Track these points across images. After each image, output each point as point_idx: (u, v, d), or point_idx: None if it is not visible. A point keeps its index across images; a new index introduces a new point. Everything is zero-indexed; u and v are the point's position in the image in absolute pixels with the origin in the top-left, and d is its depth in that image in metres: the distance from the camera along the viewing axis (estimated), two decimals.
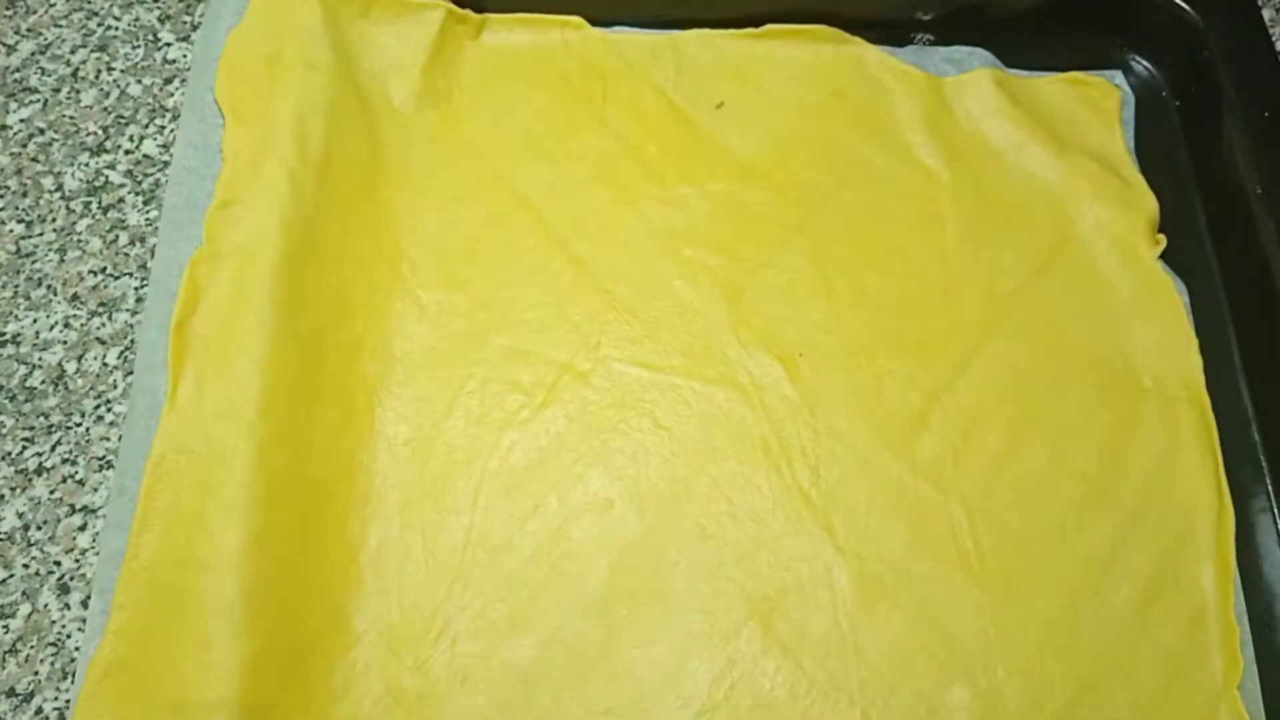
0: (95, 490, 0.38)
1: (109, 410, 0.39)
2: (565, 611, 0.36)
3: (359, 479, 0.37)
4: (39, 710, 0.35)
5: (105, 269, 0.41)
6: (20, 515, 0.37)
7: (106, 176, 0.43)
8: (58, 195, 0.43)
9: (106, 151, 0.43)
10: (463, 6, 0.45)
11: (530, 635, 0.36)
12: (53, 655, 0.35)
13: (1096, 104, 0.46)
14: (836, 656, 0.36)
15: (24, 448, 0.38)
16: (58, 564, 0.37)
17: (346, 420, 0.38)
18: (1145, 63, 0.47)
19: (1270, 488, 0.39)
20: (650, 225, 0.42)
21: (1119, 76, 0.46)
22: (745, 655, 0.36)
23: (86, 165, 0.43)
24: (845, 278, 0.41)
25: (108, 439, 0.39)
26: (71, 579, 0.37)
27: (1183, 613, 0.36)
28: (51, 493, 0.38)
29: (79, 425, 0.39)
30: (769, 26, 0.46)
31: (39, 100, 0.44)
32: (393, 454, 0.38)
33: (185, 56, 0.45)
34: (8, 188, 0.43)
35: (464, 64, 0.45)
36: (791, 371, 0.40)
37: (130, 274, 0.41)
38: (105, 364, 0.40)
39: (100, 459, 0.38)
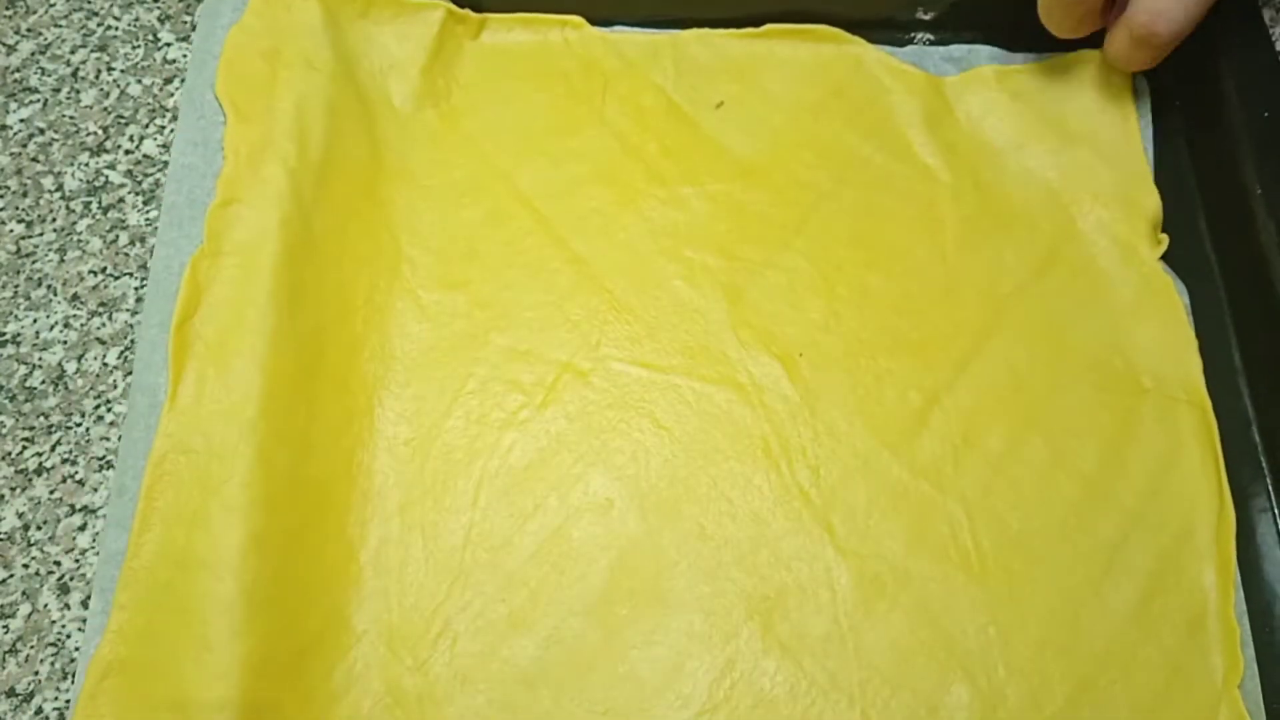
0: (95, 490, 0.38)
1: (109, 410, 0.39)
2: (565, 611, 0.36)
3: (359, 478, 0.37)
4: (39, 710, 0.35)
5: (105, 269, 0.41)
6: (20, 515, 0.37)
7: (106, 176, 0.43)
8: (58, 195, 0.43)
9: (106, 151, 0.44)
10: (461, 6, 0.45)
11: (530, 635, 0.36)
12: (53, 655, 0.35)
13: (1107, 81, 0.45)
14: (836, 656, 0.36)
15: (24, 448, 0.38)
16: (58, 564, 0.37)
17: (346, 420, 0.38)
18: None
19: (1270, 488, 0.39)
20: (650, 225, 0.42)
21: None
22: (745, 655, 0.36)
23: (86, 165, 0.43)
24: (845, 277, 0.41)
25: (108, 439, 0.39)
26: (71, 579, 0.37)
27: (1183, 612, 0.36)
28: (51, 493, 0.38)
29: (79, 425, 0.39)
30: (769, 26, 0.46)
31: (39, 100, 0.44)
32: (392, 453, 0.38)
33: (185, 56, 0.45)
34: (8, 188, 0.43)
35: (464, 63, 0.45)
36: (791, 371, 0.40)
37: (130, 274, 0.41)
38: (105, 364, 0.40)
39: (100, 459, 0.38)
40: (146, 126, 0.44)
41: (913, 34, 0.47)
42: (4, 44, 0.45)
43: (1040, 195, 0.44)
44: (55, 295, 0.41)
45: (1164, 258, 0.42)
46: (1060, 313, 0.41)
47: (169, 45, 0.46)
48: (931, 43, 0.47)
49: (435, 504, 0.37)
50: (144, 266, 0.41)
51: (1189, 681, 0.35)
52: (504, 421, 0.39)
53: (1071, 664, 0.36)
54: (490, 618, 0.36)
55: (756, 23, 0.46)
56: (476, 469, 0.38)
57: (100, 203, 0.43)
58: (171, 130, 0.44)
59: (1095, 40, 0.44)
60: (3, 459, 0.38)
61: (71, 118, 0.44)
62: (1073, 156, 0.44)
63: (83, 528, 0.37)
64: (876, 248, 0.42)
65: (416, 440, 0.38)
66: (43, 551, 0.37)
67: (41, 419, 0.39)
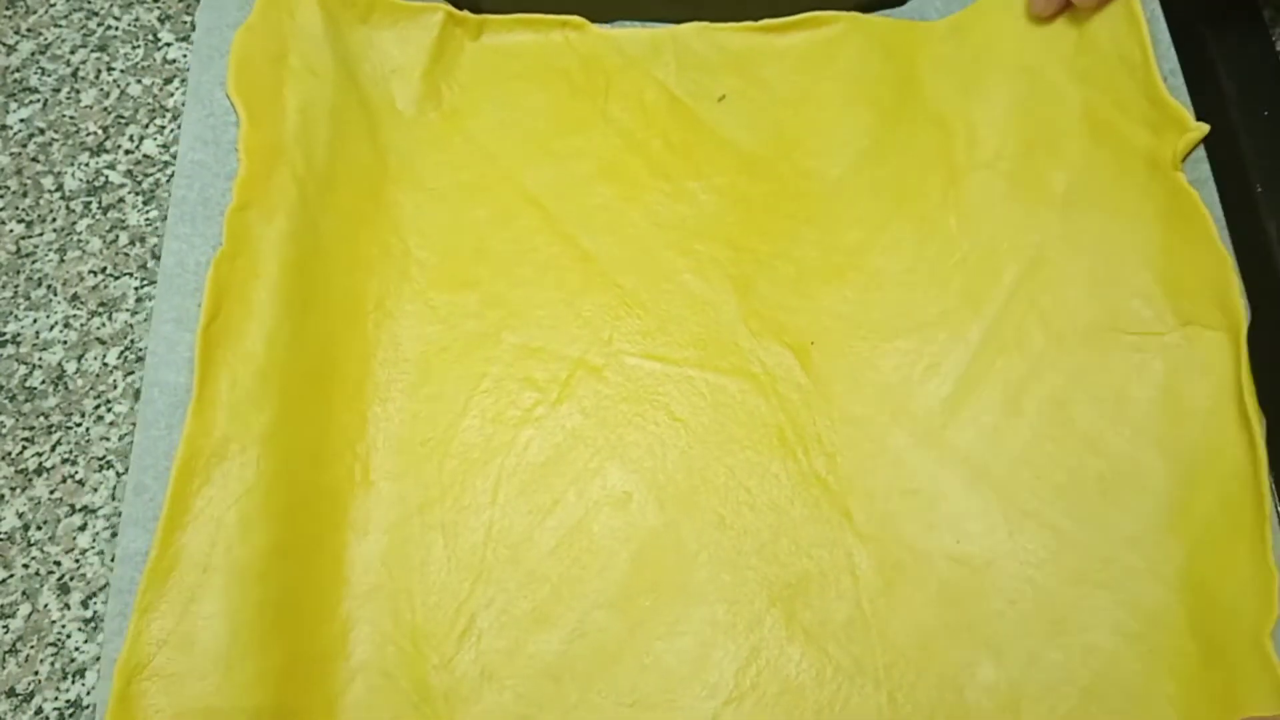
0: (95, 490, 0.37)
1: (109, 410, 0.38)
2: (588, 605, 0.36)
3: (377, 481, 0.37)
4: (39, 710, 0.34)
5: (105, 269, 0.41)
6: (20, 515, 0.36)
7: (106, 176, 0.42)
8: (58, 195, 0.42)
9: (106, 151, 0.43)
10: (460, 8, 0.45)
11: (554, 629, 0.35)
12: (53, 655, 0.34)
13: None
14: (861, 641, 0.36)
15: (24, 448, 0.37)
16: (58, 564, 0.36)
17: (362, 423, 0.38)
18: None
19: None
20: (657, 219, 0.42)
21: None
22: (769, 643, 0.35)
23: (86, 165, 0.43)
24: (854, 263, 0.41)
25: (108, 439, 0.38)
26: (71, 579, 0.36)
27: (1216, 577, 0.35)
28: (51, 493, 0.37)
29: (79, 425, 0.38)
30: (766, 21, 0.45)
31: (39, 100, 0.44)
32: (410, 454, 0.38)
33: (185, 56, 0.45)
34: (8, 188, 0.42)
35: (465, 65, 0.45)
36: (804, 360, 0.40)
37: (130, 274, 0.41)
38: (105, 364, 0.39)
39: (100, 459, 0.37)
40: (146, 126, 0.43)
41: None
42: (4, 44, 0.45)
43: (1067, 122, 0.41)
44: (55, 295, 0.40)
45: None
46: (1074, 283, 0.40)
47: (169, 45, 0.45)
48: None
49: (454, 503, 0.37)
50: (144, 266, 0.41)
51: (1219, 640, 0.34)
52: (520, 419, 0.39)
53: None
54: (514, 613, 0.35)
55: (758, 18, 0.45)
56: (494, 467, 0.38)
57: (100, 203, 0.42)
58: (171, 130, 0.43)
59: None
60: (3, 459, 0.37)
61: (71, 118, 0.43)
62: (1093, 59, 0.41)
63: (83, 528, 0.36)
64: (884, 232, 0.42)
65: (433, 441, 0.38)
66: (43, 551, 0.36)
67: (41, 419, 0.38)
